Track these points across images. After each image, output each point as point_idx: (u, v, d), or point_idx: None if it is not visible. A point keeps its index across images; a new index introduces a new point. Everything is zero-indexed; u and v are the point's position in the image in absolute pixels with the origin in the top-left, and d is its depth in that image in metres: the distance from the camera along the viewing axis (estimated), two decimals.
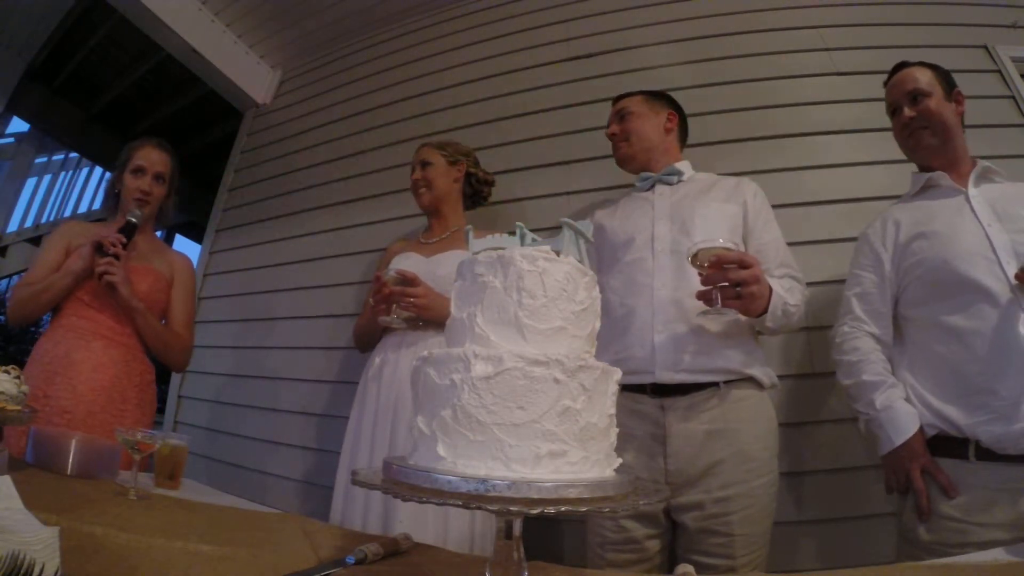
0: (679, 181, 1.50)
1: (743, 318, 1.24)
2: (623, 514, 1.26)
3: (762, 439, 1.26)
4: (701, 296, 1.20)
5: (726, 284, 1.16)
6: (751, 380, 1.29)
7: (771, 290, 1.22)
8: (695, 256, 1.18)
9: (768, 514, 1.24)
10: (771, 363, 1.36)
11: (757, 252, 1.34)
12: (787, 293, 1.27)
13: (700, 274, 1.19)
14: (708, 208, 1.39)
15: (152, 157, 1.76)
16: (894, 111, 1.39)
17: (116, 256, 1.55)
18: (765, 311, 1.22)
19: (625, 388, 1.28)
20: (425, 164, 1.79)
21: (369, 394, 1.56)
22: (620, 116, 1.57)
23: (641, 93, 1.60)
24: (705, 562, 1.19)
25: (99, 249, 1.55)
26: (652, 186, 1.51)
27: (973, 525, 1.07)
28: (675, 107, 1.60)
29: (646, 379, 1.28)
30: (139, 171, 1.72)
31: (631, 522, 1.27)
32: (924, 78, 1.34)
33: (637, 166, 1.55)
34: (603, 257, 1.47)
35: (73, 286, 1.57)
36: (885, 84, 1.42)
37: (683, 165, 1.54)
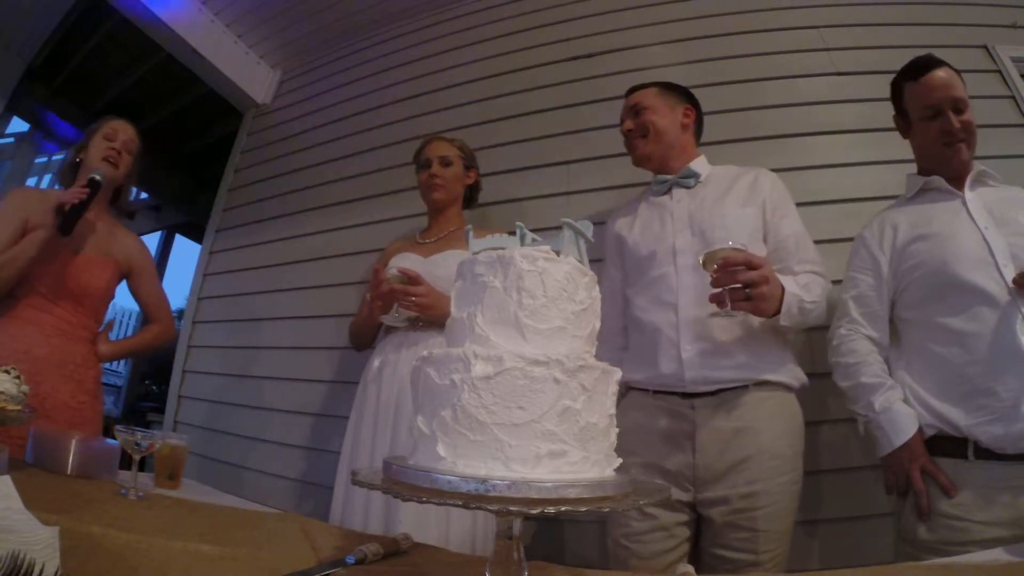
0: (696, 183, 1.46)
1: (756, 319, 1.25)
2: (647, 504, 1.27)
3: (787, 437, 1.27)
4: (713, 299, 1.19)
5: (737, 286, 1.15)
6: (779, 384, 1.29)
7: (783, 288, 1.21)
8: (704, 261, 1.18)
9: (791, 511, 1.25)
10: None
11: (776, 249, 1.34)
12: (803, 290, 1.25)
13: (712, 277, 1.19)
14: (726, 216, 1.33)
15: (125, 128, 1.72)
16: (935, 114, 1.29)
17: (82, 208, 1.51)
18: (779, 311, 1.21)
19: (657, 392, 1.32)
20: (446, 162, 1.76)
21: (369, 396, 1.56)
22: (635, 111, 1.50)
23: (655, 85, 1.54)
24: (729, 556, 1.21)
25: (60, 212, 1.49)
26: (669, 189, 1.48)
27: (973, 523, 1.08)
28: (691, 101, 1.54)
29: (677, 389, 1.30)
30: (110, 137, 1.68)
31: (656, 509, 1.28)
32: (962, 85, 1.29)
33: (655, 166, 1.50)
34: (628, 271, 1.46)
35: (38, 257, 1.50)
36: (914, 76, 1.33)
37: (699, 164, 1.49)
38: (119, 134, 1.69)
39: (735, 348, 1.29)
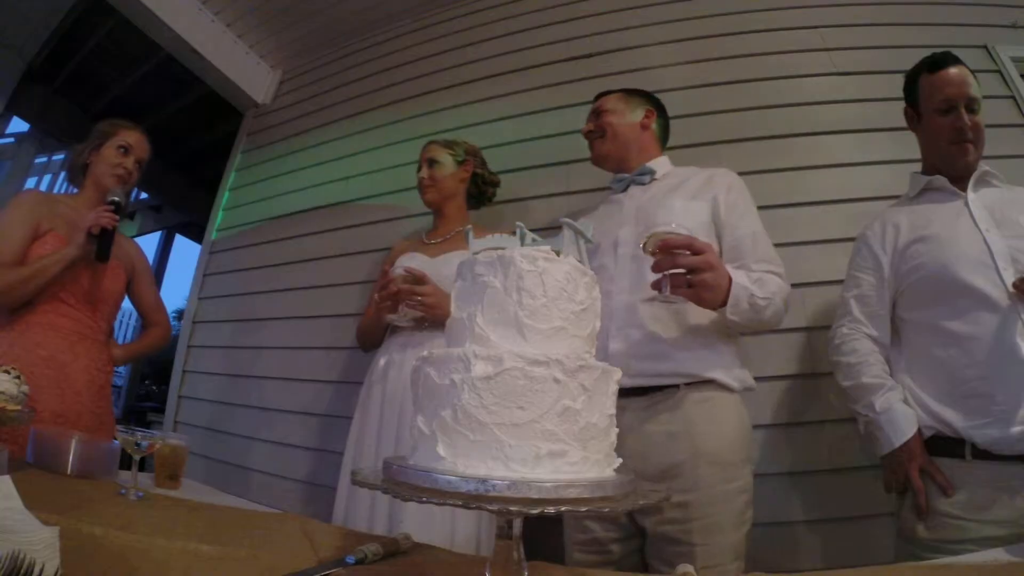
0: (651, 180, 1.45)
1: (699, 313, 1.19)
2: (584, 514, 1.21)
3: (727, 443, 1.19)
4: (653, 285, 1.11)
5: (679, 271, 1.07)
6: (716, 383, 1.21)
7: (731, 280, 1.13)
8: (645, 244, 1.11)
9: (739, 523, 1.16)
10: (771, 363, 1.34)
11: (732, 247, 1.29)
12: (755, 285, 1.17)
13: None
14: (672, 207, 1.32)
15: (140, 142, 1.71)
16: (948, 109, 1.29)
17: (114, 231, 1.53)
18: (726, 302, 1.14)
19: None
20: (432, 163, 1.78)
21: (373, 396, 1.55)
22: (596, 114, 1.54)
23: (620, 91, 1.57)
24: (666, 571, 1.11)
25: (91, 236, 1.49)
26: (627, 187, 1.48)
27: (971, 522, 1.08)
28: (654, 104, 1.55)
29: None
30: (124, 149, 1.66)
31: (593, 523, 1.23)
32: (976, 85, 1.29)
33: (612, 165, 1.52)
34: None
35: (61, 274, 1.49)
36: (931, 69, 1.33)
37: (658, 163, 1.48)
38: (133, 150, 1.68)
39: (666, 340, 1.22)
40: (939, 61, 1.33)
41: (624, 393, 1.20)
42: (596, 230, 1.40)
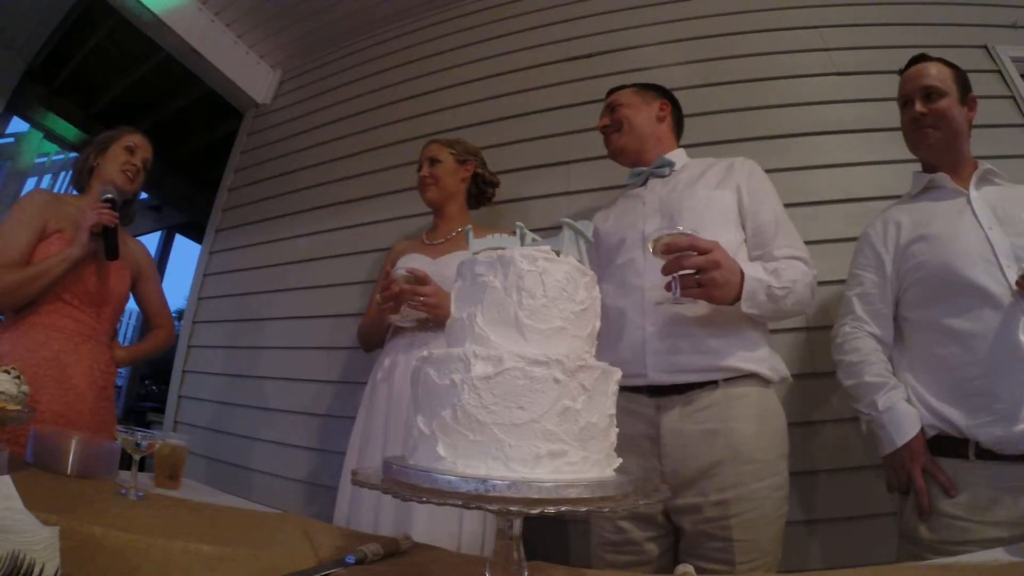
0: (671, 172, 1.45)
1: (709, 305, 1.18)
2: (619, 515, 1.23)
3: (765, 439, 1.20)
4: (665, 289, 1.13)
5: (688, 272, 1.09)
6: (754, 376, 1.22)
7: (743, 274, 1.14)
8: (652, 249, 1.12)
9: (775, 518, 1.18)
10: None
11: (755, 233, 1.30)
12: (771, 275, 1.18)
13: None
14: (696, 198, 1.33)
15: (144, 143, 1.76)
16: (905, 103, 1.37)
17: (116, 228, 1.55)
18: (739, 297, 1.14)
19: (623, 389, 1.25)
20: (434, 161, 1.78)
21: (378, 396, 1.55)
22: (611, 109, 1.54)
23: (632, 85, 1.57)
24: (705, 567, 1.14)
25: (95, 235, 1.52)
26: (645, 181, 1.47)
27: (974, 523, 1.08)
28: (667, 97, 1.56)
29: (640, 381, 1.23)
30: (130, 149, 1.71)
31: (628, 523, 1.24)
32: (942, 76, 1.32)
33: (630, 158, 1.51)
34: (600, 261, 1.43)
35: (65, 275, 1.50)
36: (901, 72, 1.40)
37: (675, 155, 1.49)
38: (139, 151, 1.73)
39: (702, 332, 1.21)
40: (909, 62, 1.40)
41: (661, 391, 1.23)
42: (617, 224, 1.44)
